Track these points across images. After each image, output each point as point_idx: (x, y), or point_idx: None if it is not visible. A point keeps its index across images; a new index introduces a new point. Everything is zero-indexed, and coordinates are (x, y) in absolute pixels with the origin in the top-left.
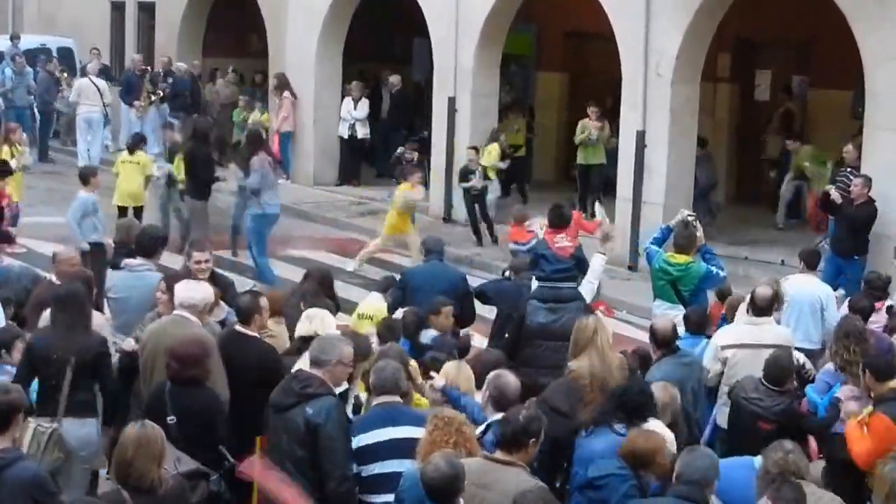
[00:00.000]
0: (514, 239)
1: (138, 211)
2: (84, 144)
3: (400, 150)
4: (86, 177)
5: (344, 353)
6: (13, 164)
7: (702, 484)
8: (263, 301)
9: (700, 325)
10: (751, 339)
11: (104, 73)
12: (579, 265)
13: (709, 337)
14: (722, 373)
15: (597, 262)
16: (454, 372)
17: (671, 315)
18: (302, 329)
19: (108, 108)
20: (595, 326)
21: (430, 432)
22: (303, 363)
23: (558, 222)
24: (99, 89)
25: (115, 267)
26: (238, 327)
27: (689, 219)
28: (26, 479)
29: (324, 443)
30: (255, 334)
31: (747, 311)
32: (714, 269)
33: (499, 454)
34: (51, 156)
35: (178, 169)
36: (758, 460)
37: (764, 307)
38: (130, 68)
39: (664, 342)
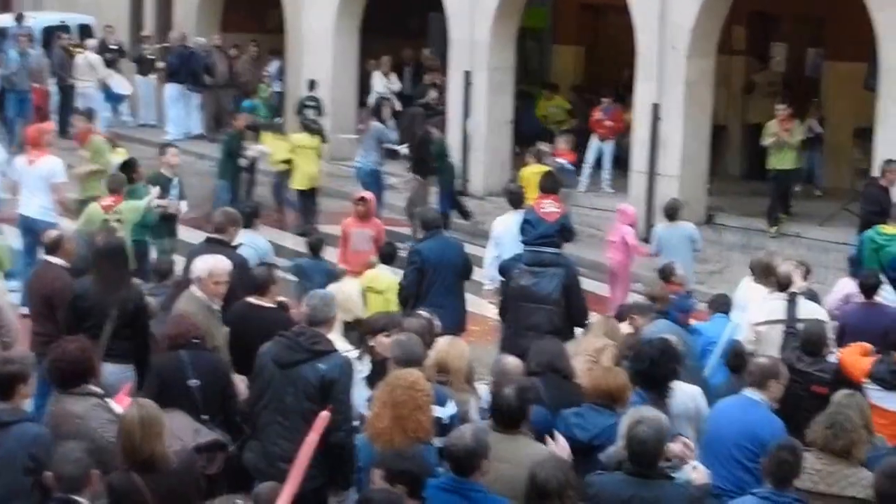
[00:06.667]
0: None
1: (314, 192)
2: None
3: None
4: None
5: (335, 314)
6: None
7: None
8: (277, 272)
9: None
10: (783, 314)
11: (105, 48)
12: (563, 232)
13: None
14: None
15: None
16: (446, 347)
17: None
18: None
19: (110, 81)
20: (600, 351)
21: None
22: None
23: (550, 188)
24: (91, 64)
25: None
26: (252, 299)
27: None
28: (28, 439)
29: (337, 396)
30: (272, 305)
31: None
32: None
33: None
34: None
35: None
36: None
37: (787, 284)
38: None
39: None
